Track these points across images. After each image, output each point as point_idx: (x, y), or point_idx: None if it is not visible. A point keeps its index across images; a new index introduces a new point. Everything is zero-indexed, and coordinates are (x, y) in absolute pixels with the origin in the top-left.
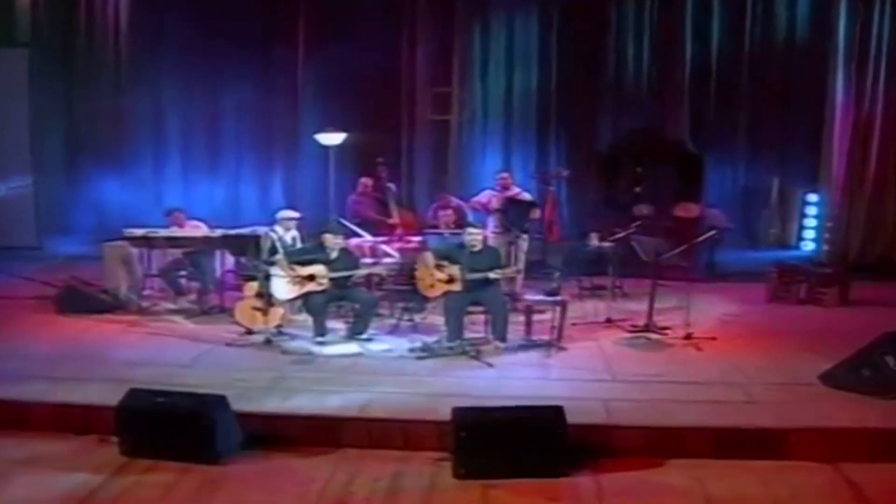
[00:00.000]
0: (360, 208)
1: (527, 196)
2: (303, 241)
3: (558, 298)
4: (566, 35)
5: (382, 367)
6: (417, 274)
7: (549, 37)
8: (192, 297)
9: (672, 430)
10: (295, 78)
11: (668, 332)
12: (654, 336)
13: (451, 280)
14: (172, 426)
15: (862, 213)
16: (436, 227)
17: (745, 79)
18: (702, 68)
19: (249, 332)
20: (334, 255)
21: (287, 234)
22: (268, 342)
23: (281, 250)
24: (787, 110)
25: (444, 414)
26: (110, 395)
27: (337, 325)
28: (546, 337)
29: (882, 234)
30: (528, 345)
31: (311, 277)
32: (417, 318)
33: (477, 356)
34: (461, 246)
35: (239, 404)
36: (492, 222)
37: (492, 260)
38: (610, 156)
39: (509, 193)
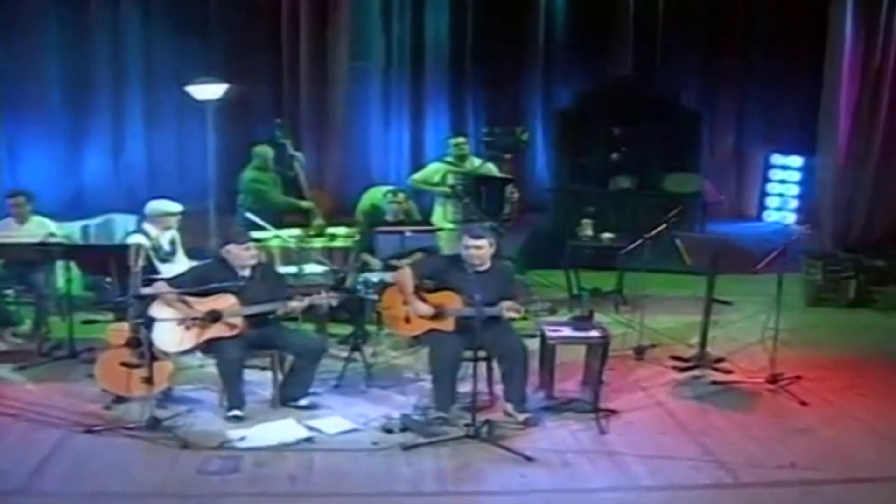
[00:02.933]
0: (259, 188)
1: (492, 168)
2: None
3: (597, 334)
4: None
5: (357, 474)
6: (384, 301)
7: None
8: (25, 328)
9: None
10: (147, 12)
11: (728, 366)
12: (717, 376)
13: (439, 314)
14: None
15: (868, 182)
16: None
17: (703, 10)
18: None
19: (121, 399)
20: (245, 274)
21: (164, 236)
22: (154, 424)
23: (161, 265)
24: (752, 52)
25: None
26: None
27: (251, 377)
28: (573, 390)
29: (890, 207)
30: (556, 407)
31: (216, 316)
32: (368, 354)
33: (493, 438)
34: (454, 260)
35: None
36: (448, 209)
37: (503, 284)
38: (575, 114)
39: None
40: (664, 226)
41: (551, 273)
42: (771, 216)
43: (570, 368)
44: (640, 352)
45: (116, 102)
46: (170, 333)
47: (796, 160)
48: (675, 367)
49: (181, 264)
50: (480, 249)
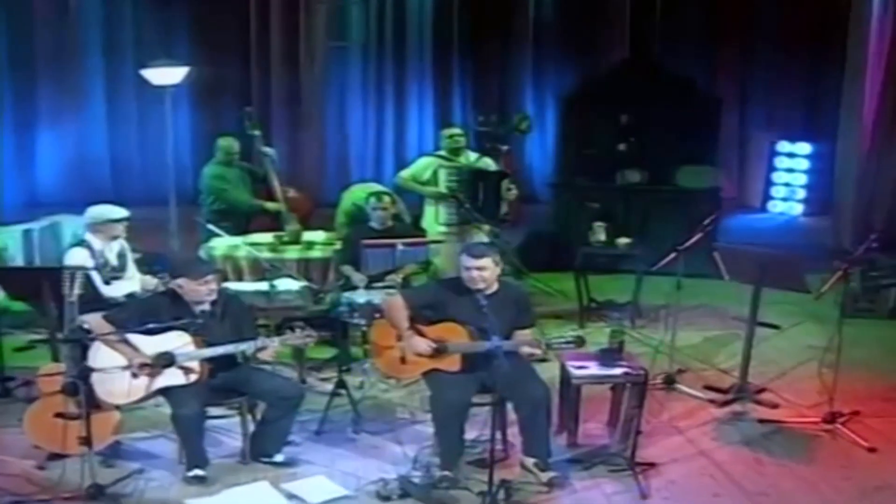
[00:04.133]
0: (221, 187)
1: (490, 164)
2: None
3: (632, 371)
4: None
5: None
6: (375, 337)
7: None
8: None
9: None
10: None
11: (772, 398)
12: (762, 412)
13: (440, 351)
14: None
15: (892, 173)
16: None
17: None
18: None
19: (57, 456)
20: (203, 308)
21: (110, 248)
22: (96, 492)
23: (106, 288)
24: (755, 32)
25: None
26: None
27: (217, 421)
28: (598, 434)
29: None
30: (584, 459)
31: (168, 360)
32: (354, 387)
33: None
34: (454, 284)
35: None
36: (440, 209)
37: (515, 310)
38: (578, 100)
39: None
40: (699, 235)
41: (553, 277)
42: (776, 207)
43: (593, 403)
44: (669, 381)
45: (72, 90)
46: (113, 381)
47: (804, 147)
48: (711, 401)
49: (132, 280)
50: (484, 271)
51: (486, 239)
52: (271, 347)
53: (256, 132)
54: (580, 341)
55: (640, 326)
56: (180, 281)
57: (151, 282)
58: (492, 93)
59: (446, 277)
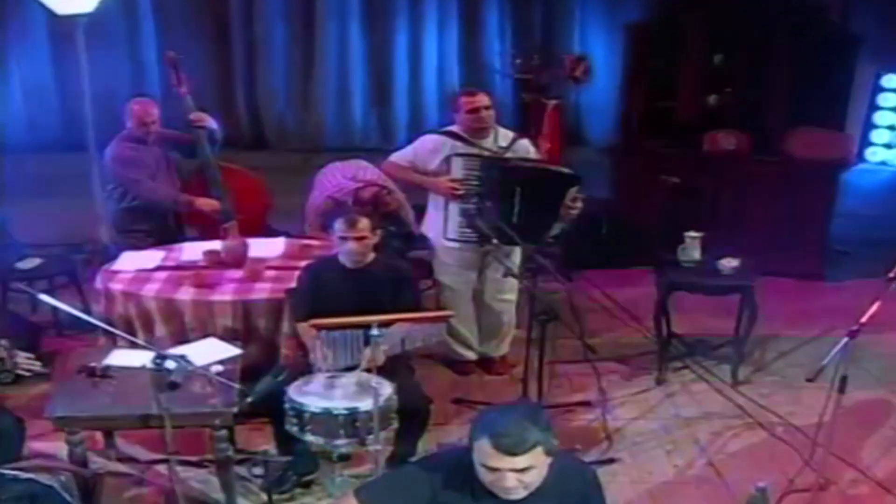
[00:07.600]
0: (134, 175)
1: (530, 149)
2: None
3: None
4: None
5: None
6: None
7: None
8: None
9: None
10: None
11: None
12: None
13: None
14: None
15: None
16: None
17: None
18: None
19: None
20: None
21: None
22: None
23: None
24: None
25: None
26: None
27: None
28: None
29: None
30: None
31: None
32: None
33: None
34: (463, 474)
35: None
36: (451, 214)
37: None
38: (652, 32)
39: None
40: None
41: (613, 280)
42: (877, 155)
43: None
44: None
45: None
46: None
47: None
48: None
49: None
50: (527, 473)
51: (515, 266)
52: None
53: (183, 87)
54: None
55: (745, 381)
56: None
57: None
58: (533, 20)
59: (445, 462)
